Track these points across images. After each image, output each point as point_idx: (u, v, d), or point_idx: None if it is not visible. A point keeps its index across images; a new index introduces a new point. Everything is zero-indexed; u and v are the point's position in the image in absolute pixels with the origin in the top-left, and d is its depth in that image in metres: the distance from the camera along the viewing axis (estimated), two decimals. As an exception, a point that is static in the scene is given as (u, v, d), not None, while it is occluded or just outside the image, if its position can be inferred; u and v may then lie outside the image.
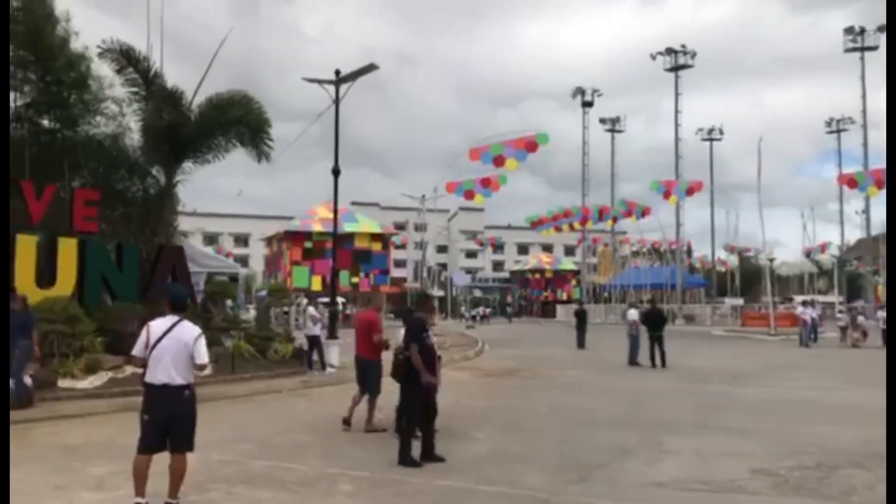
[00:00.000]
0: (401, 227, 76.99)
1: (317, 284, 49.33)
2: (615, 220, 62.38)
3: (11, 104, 16.31)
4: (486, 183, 42.82)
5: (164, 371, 6.21)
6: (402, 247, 77.30)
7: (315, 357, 17.85)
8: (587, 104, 73.37)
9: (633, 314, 21.84)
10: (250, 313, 24.22)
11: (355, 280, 50.97)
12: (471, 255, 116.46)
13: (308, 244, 51.98)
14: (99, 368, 14.45)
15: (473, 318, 63.64)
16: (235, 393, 14.88)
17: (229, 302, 18.92)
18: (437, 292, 66.94)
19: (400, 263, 76.38)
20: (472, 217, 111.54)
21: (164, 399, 6.23)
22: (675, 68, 62.64)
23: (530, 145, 36.84)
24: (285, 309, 25.58)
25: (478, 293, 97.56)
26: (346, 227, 53.95)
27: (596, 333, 31.39)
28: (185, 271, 17.73)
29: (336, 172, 20.49)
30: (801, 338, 29.90)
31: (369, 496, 7.21)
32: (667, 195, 49.88)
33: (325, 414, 12.56)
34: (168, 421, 6.27)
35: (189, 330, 6.36)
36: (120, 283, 16.26)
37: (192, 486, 6.84)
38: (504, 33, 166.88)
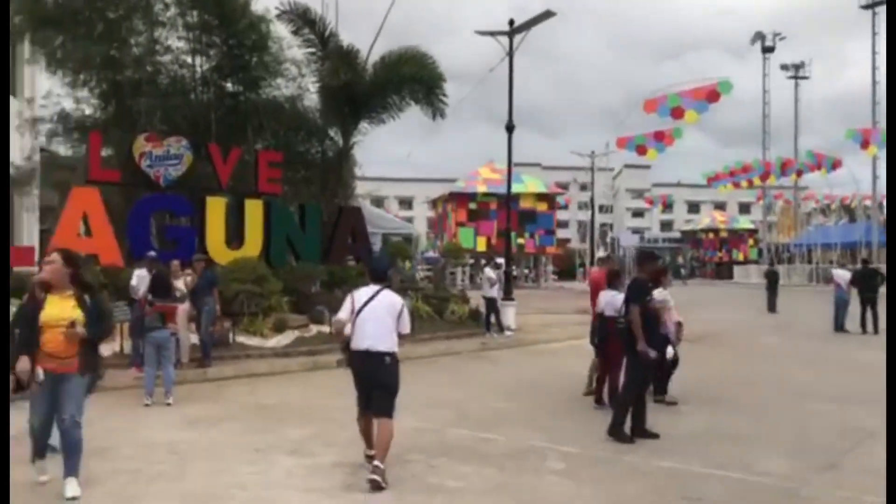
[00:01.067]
0: (564, 187, 75.33)
1: (482, 245, 48.93)
2: (800, 173, 57.39)
3: (198, 68, 16.75)
4: (659, 137, 40.47)
5: (368, 338, 6.27)
6: (565, 207, 75.61)
7: (493, 320, 17.27)
8: (768, 49, 67.86)
9: (843, 274, 19.61)
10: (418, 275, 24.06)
11: (521, 241, 50.11)
12: (637, 214, 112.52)
13: (472, 205, 51.59)
14: (286, 328, 14.60)
15: None
16: (417, 354, 14.55)
17: (407, 263, 18.72)
18: (602, 253, 64.91)
19: (563, 224, 74.86)
20: (637, 175, 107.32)
21: (366, 364, 6.32)
22: (872, 5, 56.31)
23: (712, 94, 34.14)
24: (451, 270, 25.27)
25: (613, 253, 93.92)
26: (512, 188, 53.19)
27: (784, 297, 28.91)
28: (363, 232, 17.68)
29: (510, 129, 19.64)
30: None
31: (587, 476, 6.43)
32: (864, 145, 45.05)
33: (514, 378, 11.92)
34: (370, 386, 6.38)
35: (392, 299, 6.45)
36: (303, 243, 16.39)
37: (392, 457, 6.35)
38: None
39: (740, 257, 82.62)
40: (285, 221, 16.29)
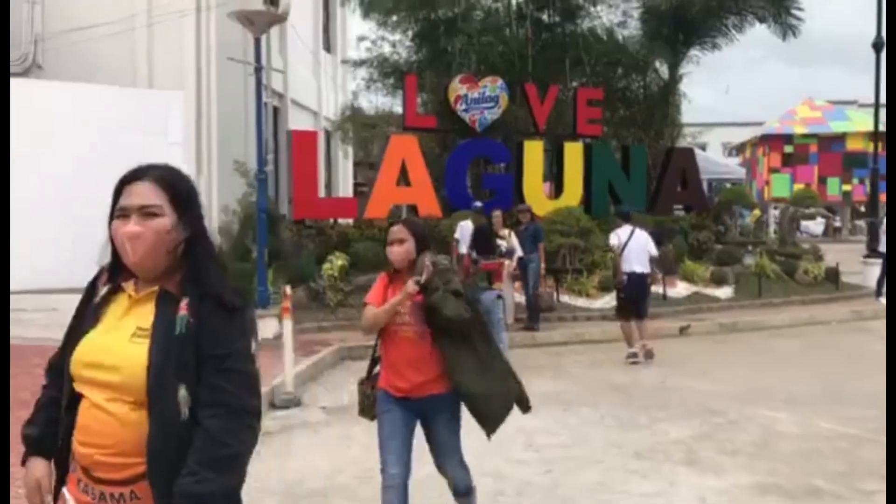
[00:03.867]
0: None
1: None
2: None
3: (512, 1, 15.29)
4: None
5: (632, 263, 8.93)
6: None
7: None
8: None
9: None
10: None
11: (847, 188, 43.79)
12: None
13: (788, 148, 45.82)
14: (613, 287, 12.85)
15: None
16: (771, 323, 12.10)
17: (755, 212, 16.00)
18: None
19: (893, 168, 64.60)
20: None
21: (632, 283, 8.96)
22: None
23: None
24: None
25: None
26: (833, 127, 46.46)
27: None
28: (695, 176, 15.28)
29: (878, 46, 15.89)
30: None
31: None
32: None
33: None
34: (636, 298, 9.02)
35: (643, 235, 9.18)
36: (628, 190, 14.43)
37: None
38: None
39: None
40: (608, 166, 14.42)
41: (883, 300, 13.68)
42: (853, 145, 45.16)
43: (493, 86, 13.84)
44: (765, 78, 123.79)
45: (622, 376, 8.45)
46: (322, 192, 16.96)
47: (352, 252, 12.05)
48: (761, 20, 15.54)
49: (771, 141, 45.92)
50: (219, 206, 13.30)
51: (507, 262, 10.28)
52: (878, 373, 8.40)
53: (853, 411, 6.81)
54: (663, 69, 16.22)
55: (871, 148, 45.37)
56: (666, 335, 11.17)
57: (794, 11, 15.16)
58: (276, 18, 10.17)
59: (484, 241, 9.18)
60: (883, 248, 14.06)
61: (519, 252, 10.80)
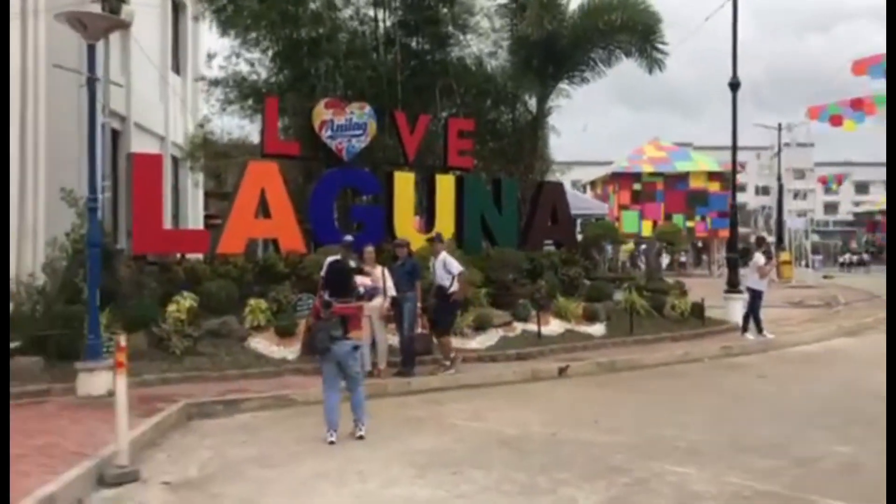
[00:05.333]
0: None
1: (647, 230, 45.27)
2: None
3: (380, 23, 14.53)
4: (857, 105, 35.36)
5: None
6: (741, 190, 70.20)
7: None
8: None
9: None
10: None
11: (690, 224, 46.00)
12: (798, 195, 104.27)
13: (637, 186, 47.83)
14: (489, 326, 12.21)
15: (846, 265, 57.14)
16: (648, 361, 11.83)
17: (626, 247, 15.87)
18: (769, 238, 59.28)
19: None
20: (798, 153, 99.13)
21: None
22: None
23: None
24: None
25: (815, 237, 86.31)
26: (679, 166, 49.00)
27: None
28: (566, 211, 15.01)
29: (734, 86, 16.40)
30: None
31: None
32: None
33: (810, 400, 8.74)
34: None
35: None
36: (500, 225, 13.94)
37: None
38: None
39: (926, 242, 74.14)
40: (480, 200, 13.84)
41: (749, 335, 13.83)
42: (696, 184, 47.73)
43: (360, 112, 12.98)
44: (606, 120, 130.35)
45: (509, 427, 7.67)
46: (168, 224, 15.40)
47: (202, 292, 10.70)
48: (627, 54, 15.64)
49: (621, 179, 47.83)
50: (45, 238, 11.57)
51: (377, 302, 9.34)
52: (771, 417, 8.09)
53: (761, 463, 6.34)
54: (532, 102, 15.97)
55: (711, 187, 48.50)
56: (546, 377, 10.64)
57: (658, 45, 15.34)
58: (114, 24, 8.87)
59: (339, 279, 7.41)
60: (750, 284, 14.23)
61: (392, 291, 9.92)
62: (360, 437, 7.11)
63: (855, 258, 61.54)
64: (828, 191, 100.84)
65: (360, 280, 8.34)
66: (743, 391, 9.69)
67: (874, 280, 41.84)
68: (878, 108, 35.35)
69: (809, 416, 8.09)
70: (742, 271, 15.95)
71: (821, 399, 9.06)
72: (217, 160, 16.90)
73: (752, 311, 13.93)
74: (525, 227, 14.68)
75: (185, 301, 10.33)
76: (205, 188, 20.86)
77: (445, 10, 14.58)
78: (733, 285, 16.05)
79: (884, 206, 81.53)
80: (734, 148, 16.25)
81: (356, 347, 7.26)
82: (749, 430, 7.48)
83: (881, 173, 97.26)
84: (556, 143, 17.56)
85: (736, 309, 15.52)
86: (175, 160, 18.47)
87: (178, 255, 11.61)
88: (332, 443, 6.97)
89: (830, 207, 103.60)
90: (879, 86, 32.36)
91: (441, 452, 6.75)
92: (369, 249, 10.10)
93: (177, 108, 18.92)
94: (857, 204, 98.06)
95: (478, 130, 14.77)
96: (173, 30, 19.33)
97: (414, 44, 15.12)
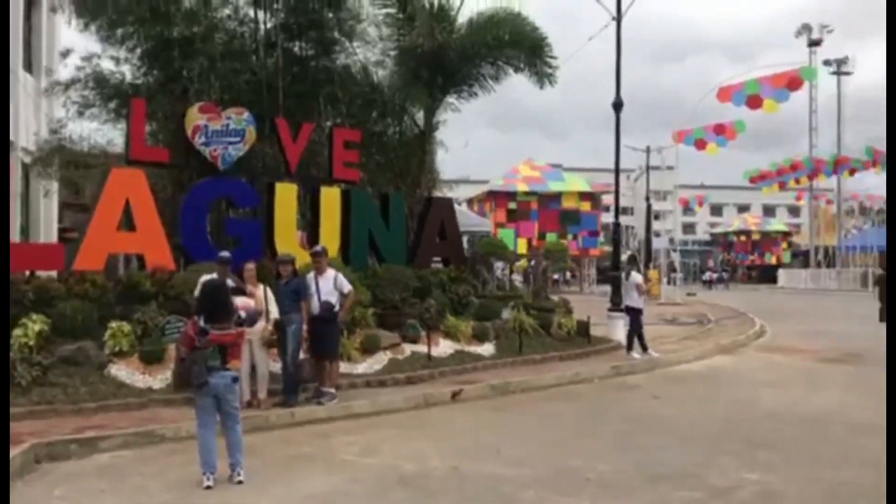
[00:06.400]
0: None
1: (522, 248, 45.94)
2: (853, 171, 54.23)
3: (262, 25, 13.63)
4: (720, 130, 37.52)
5: None
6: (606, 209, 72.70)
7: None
8: (814, 43, 64.54)
9: None
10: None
11: (563, 242, 47.11)
12: (656, 216, 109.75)
13: (512, 205, 48.56)
14: (377, 348, 11.54)
15: (708, 282, 59.61)
16: (541, 383, 11.49)
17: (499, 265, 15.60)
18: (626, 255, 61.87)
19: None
20: (662, 176, 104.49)
21: None
22: None
23: (793, 81, 31.01)
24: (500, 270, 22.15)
25: (676, 257, 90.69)
26: (552, 186, 50.11)
27: (844, 302, 25.78)
28: (455, 228, 14.55)
29: (618, 106, 16.56)
30: None
31: None
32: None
33: (708, 421, 8.57)
34: None
35: None
36: (388, 241, 13.30)
37: None
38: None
39: (773, 260, 79.66)
40: (368, 214, 13.16)
41: (635, 354, 13.82)
42: (568, 203, 49.00)
43: (238, 118, 12.04)
44: (477, 142, 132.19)
45: (407, 462, 7.03)
46: (16, 237, 13.81)
47: (55, 314, 9.45)
48: (516, 69, 15.47)
49: (497, 197, 48.42)
50: None
51: (259, 326, 8.47)
52: (676, 443, 7.82)
53: (678, 495, 6.02)
54: (420, 115, 15.49)
55: (583, 206, 49.92)
56: (439, 402, 10.07)
57: (547, 60, 15.23)
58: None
59: (216, 301, 6.38)
60: (629, 302, 14.28)
61: (275, 313, 9.09)
62: (240, 482, 6.26)
63: (716, 276, 64.92)
64: (686, 212, 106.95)
65: (241, 302, 7.45)
66: (642, 413, 9.47)
67: (735, 296, 44.36)
68: (737, 132, 37.55)
69: (714, 441, 7.91)
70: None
71: (720, 421, 8.95)
72: (74, 168, 15.34)
73: (636, 330, 13.97)
74: (413, 244, 14.13)
75: (35, 325, 9.09)
76: (60, 198, 19.05)
77: (331, 14, 13.86)
78: (616, 304, 16.10)
79: (737, 227, 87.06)
80: (617, 166, 16.38)
81: (235, 379, 6.43)
82: (658, 458, 7.18)
83: (734, 196, 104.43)
84: (441, 160, 17.20)
85: (618, 327, 15.58)
86: (25, 167, 16.70)
87: (27, 273, 10.26)
88: (208, 487, 6.09)
89: (689, 228, 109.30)
90: (739, 112, 34.46)
91: (334, 496, 6.04)
92: (250, 267, 9.24)
93: (28, 111, 17.15)
94: (712, 225, 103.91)
95: (364, 142, 14.10)
96: (26, 24, 17.57)
97: (297, 48, 14.29)
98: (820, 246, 65.43)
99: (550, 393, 11.02)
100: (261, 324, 8.55)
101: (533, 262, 16.19)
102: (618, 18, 16.46)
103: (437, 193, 16.69)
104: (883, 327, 21.38)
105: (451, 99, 15.59)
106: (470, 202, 54.72)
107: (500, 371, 12.12)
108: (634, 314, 13.92)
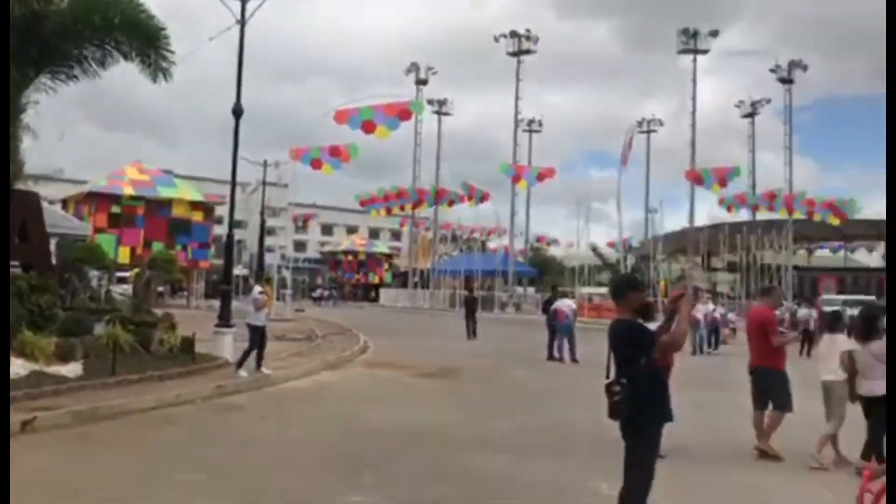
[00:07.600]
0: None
1: (124, 256, 42.34)
2: (451, 203, 60.70)
3: None
4: (335, 152, 39.07)
5: None
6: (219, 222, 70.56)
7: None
8: (421, 82, 70.76)
9: (570, 304, 19.32)
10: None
11: (171, 253, 44.44)
12: (269, 232, 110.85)
13: (116, 209, 44.42)
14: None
15: (318, 299, 61.12)
16: (138, 406, 10.30)
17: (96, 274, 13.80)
18: (240, 271, 61.21)
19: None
20: (277, 192, 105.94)
21: None
22: (517, 53, 61.80)
23: (403, 112, 33.50)
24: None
25: (286, 273, 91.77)
26: (162, 192, 47.16)
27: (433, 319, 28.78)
28: (40, 228, 12.53)
29: (238, 113, 15.97)
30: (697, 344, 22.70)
31: None
32: (516, 179, 48.37)
33: (320, 445, 8.37)
34: None
35: None
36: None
37: None
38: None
39: (376, 280, 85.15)
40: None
41: (242, 372, 13.17)
42: (179, 212, 46.43)
43: None
44: (74, 137, 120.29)
45: None
46: None
47: None
48: (126, 57, 13.86)
49: (98, 199, 43.95)
50: None
51: None
52: (283, 466, 7.39)
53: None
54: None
55: (195, 216, 47.74)
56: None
57: (164, 52, 13.89)
58: None
59: None
60: (249, 320, 13.65)
61: None
62: None
63: (326, 293, 67.18)
64: (298, 230, 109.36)
65: None
66: (248, 436, 8.91)
67: (342, 312, 46.09)
68: (351, 156, 39.33)
69: (320, 463, 7.67)
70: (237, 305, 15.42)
71: (327, 442, 8.76)
72: None
73: (257, 347, 13.33)
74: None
75: None
76: None
77: None
78: (224, 319, 15.33)
79: (346, 247, 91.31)
80: (234, 174, 15.72)
81: None
82: (264, 484, 6.68)
83: (343, 218, 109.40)
84: (27, 149, 14.73)
85: (226, 343, 14.88)
86: None
87: None
88: None
89: (300, 245, 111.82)
90: (354, 136, 36.00)
91: None
92: None
93: None
94: (322, 244, 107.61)
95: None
96: None
97: None
98: (417, 268, 71.39)
99: (147, 417, 9.92)
100: None
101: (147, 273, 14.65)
102: (242, 22, 15.90)
103: (21, 186, 14.28)
104: (471, 344, 23.96)
105: (45, 79, 13.44)
106: (65, 203, 48.99)
107: (88, 394, 10.60)
108: (257, 332, 13.28)
